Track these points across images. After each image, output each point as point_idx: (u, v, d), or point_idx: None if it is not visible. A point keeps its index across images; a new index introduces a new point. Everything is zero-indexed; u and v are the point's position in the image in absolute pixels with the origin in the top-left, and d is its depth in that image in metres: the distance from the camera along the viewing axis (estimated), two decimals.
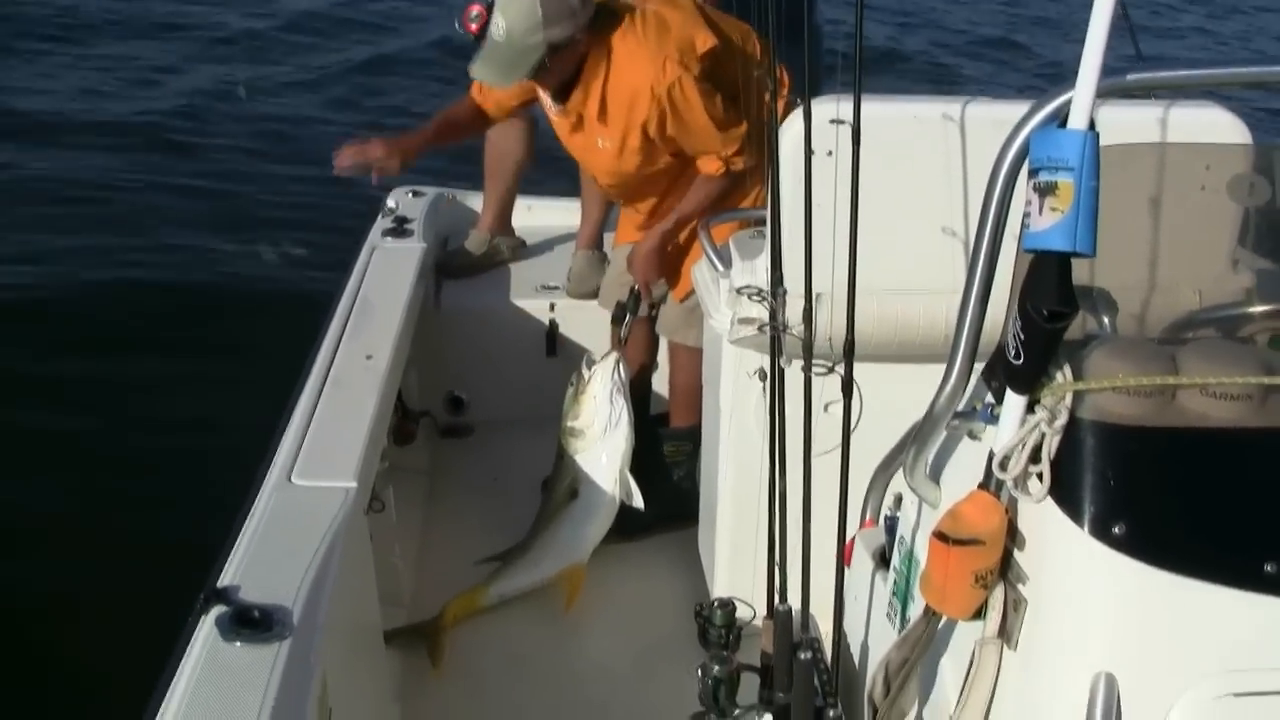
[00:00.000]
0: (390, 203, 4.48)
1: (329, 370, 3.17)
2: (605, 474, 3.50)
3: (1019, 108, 2.67)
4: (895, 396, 2.22)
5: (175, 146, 8.98)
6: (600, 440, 3.49)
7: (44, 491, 4.80)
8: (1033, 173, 1.58)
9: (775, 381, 2.41)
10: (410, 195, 4.60)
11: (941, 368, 1.90)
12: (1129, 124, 2.13)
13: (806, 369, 2.25)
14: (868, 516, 2.52)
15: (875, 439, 2.36)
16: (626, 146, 3.57)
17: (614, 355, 3.51)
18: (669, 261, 3.75)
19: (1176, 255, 2.06)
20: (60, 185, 7.96)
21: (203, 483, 4.26)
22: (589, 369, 3.51)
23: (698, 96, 3.41)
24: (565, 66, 3.49)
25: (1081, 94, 1.54)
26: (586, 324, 4.32)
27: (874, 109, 2.31)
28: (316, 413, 2.96)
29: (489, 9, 3.41)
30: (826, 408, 2.40)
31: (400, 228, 4.25)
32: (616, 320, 3.86)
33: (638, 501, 3.50)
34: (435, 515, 4.01)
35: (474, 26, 3.42)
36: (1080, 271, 1.62)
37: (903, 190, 2.70)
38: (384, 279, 3.82)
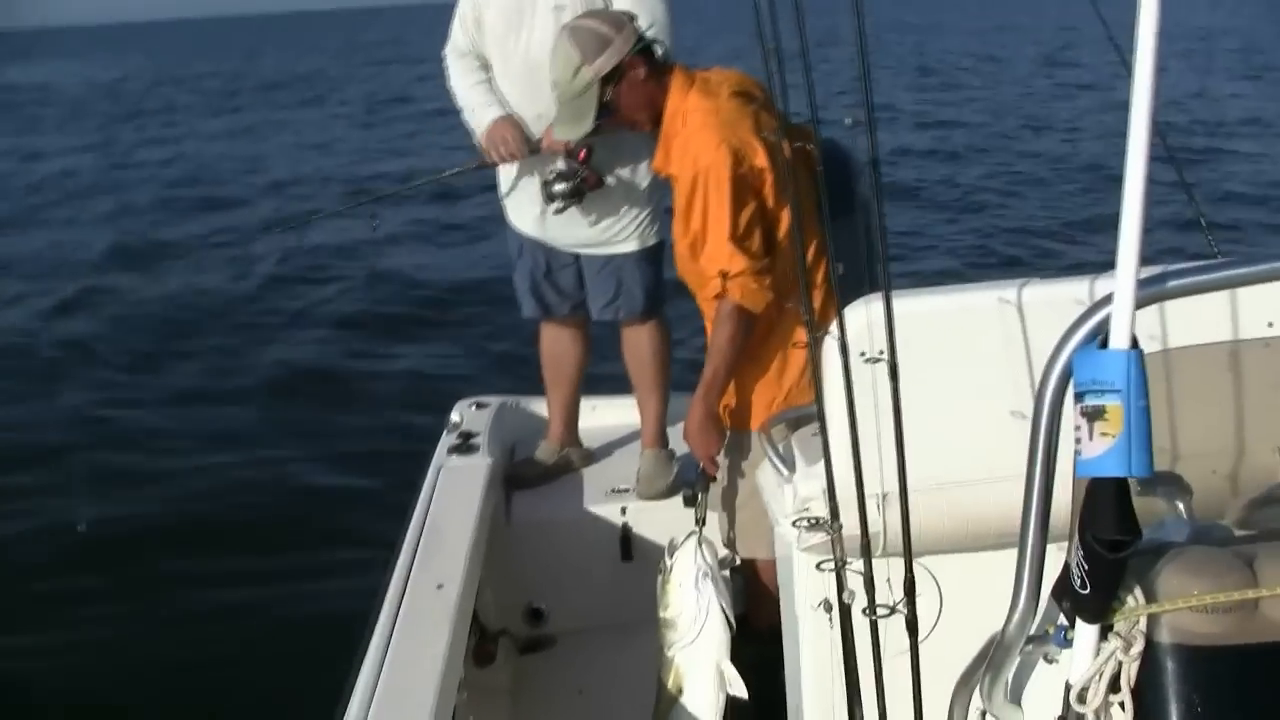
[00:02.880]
0: (454, 417, 4.50)
1: (400, 605, 3.14)
2: (704, 665, 3.31)
3: (1071, 285, 2.67)
4: (972, 586, 2.16)
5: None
6: (692, 629, 3.32)
7: None
8: (1078, 397, 1.52)
9: (842, 616, 2.36)
10: (474, 408, 4.61)
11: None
12: None
13: (871, 612, 2.21)
14: None
15: (955, 632, 2.29)
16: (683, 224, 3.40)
17: (694, 538, 3.27)
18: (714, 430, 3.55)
19: (1247, 419, 1.99)
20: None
21: None
22: (671, 556, 3.30)
23: (728, 192, 3.22)
24: (632, 99, 3.43)
25: (1120, 312, 1.49)
26: (660, 524, 4.21)
27: (924, 303, 2.29)
28: (389, 653, 2.93)
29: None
30: (895, 608, 2.33)
31: (466, 443, 4.25)
32: (689, 503, 3.74)
33: (739, 690, 3.31)
34: None
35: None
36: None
37: (963, 381, 2.65)
38: (452, 500, 3.80)
